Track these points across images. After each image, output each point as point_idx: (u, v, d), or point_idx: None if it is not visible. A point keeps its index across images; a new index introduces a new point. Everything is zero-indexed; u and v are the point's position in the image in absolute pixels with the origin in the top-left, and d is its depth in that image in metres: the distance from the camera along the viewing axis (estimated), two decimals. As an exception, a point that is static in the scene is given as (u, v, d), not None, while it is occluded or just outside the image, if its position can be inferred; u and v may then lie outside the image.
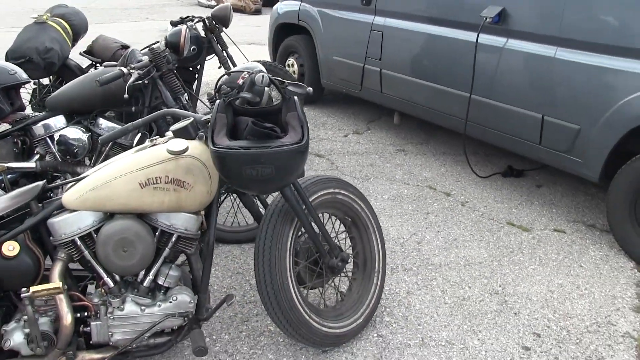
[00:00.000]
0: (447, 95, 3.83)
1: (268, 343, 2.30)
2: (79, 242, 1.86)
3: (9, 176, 2.67)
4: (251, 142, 1.74)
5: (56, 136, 2.71)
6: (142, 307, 1.92)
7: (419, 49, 4.00)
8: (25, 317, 1.86)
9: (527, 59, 3.31)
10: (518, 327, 2.45)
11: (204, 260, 2.02)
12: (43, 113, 2.84)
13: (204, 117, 2.01)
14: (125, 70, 2.65)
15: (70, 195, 1.85)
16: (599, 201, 3.67)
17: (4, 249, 1.80)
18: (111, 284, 1.92)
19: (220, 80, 2.11)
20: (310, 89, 1.89)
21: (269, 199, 2.94)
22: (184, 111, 2.16)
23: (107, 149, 2.81)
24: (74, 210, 1.85)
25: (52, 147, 2.78)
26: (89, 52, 4.06)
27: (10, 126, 2.81)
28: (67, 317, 1.84)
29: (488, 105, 3.56)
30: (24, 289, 1.80)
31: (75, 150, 2.70)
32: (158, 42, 4.01)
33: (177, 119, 2.74)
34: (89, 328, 1.93)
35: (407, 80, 4.15)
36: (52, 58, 3.62)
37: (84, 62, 4.12)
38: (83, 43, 4.22)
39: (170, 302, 1.94)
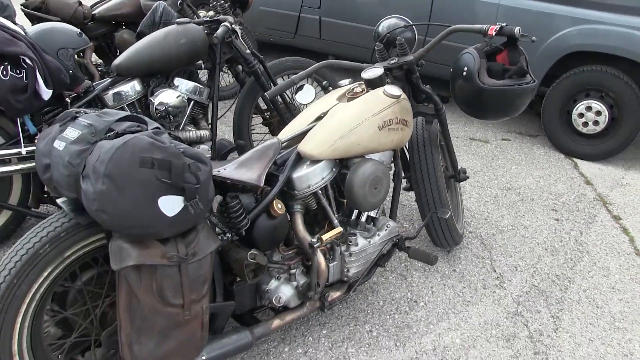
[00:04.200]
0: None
1: (402, 260, 2.82)
2: (319, 192, 2.07)
3: None
4: (515, 80, 2.18)
5: (155, 102, 2.61)
6: (368, 240, 2.21)
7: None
8: (291, 271, 2.02)
9: (476, 5, 4.13)
10: (541, 207, 3.39)
11: (395, 187, 2.41)
12: (108, 80, 2.67)
13: (385, 65, 2.33)
14: (229, 25, 2.68)
15: (317, 147, 1.98)
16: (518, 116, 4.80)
17: (275, 207, 1.89)
18: (338, 226, 2.19)
19: (388, 34, 2.43)
20: (535, 37, 2.32)
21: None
22: (350, 62, 2.42)
23: (189, 109, 2.79)
24: (314, 163, 2.00)
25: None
26: (38, 9, 3.61)
27: (77, 96, 2.58)
28: (323, 263, 2.05)
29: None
30: (314, 240, 1.98)
31: (176, 115, 2.65)
32: None
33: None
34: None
35: (349, 25, 4.67)
36: (11, 17, 3.21)
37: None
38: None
39: (385, 229, 2.31)
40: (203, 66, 2.87)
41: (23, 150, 2.32)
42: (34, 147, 2.36)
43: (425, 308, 2.46)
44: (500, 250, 2.93)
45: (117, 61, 2.61)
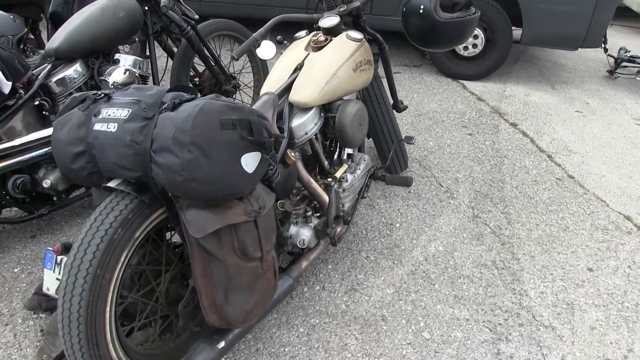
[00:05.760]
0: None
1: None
2: (313, 137, 2.14)
3: None
4: (464, 12, 2.38)
5: (110, 81, 2.42)
6: (354, 175, 2.34)
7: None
8: (307, 214, 2.10)
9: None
10: (453, 126, 3.77)
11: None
12: (48, 65, 2.38)
13: (336, 12, 2.43)
14: None
15: (309, 95, 2.04)
16: (397, 49, 5.15)
17: (289, 155, 1.93)
18: (328, 167, 2.30)
19: None
20: None
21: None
22: (301, 15, 2.48)
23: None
24: (306, 111, 2.06)
25: None
26: None
27: (22, 90, 2.33)
28: (328, 201, 2.15)
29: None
30: (330, 180, 2.10)
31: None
32: None
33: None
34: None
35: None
36: None
37: None
38: None
39: (363, 163, 2.46)
40: (137, 39, 2.74)
41: None
42: (7, 145, 2.13)
43: (402, 228, 2.69)
44: (438, 168, 3.25)
45: (53, 44, 2.36)
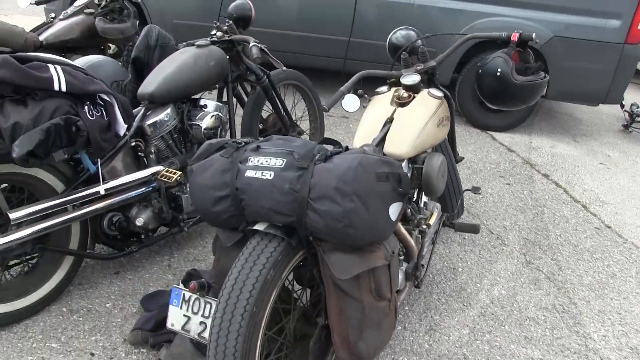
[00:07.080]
0: (326, 41, 4.78)
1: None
2: None
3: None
4: (536, 75, 2.60)
5: (203, 126, 2.60)
6: (431, 221, 2.55)
7: (291, 7, 4.74)
8: (400, 258, 2.23)
9: (394, 7, 4.60)
10: (490, 176, 3.98)
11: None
12: (143, 108, 2.53)
13: (415, 70, 2.64)
14: (258, 44, 2.73)
15: (403, 147, 2.21)
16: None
17: None
18: (410, 214, 2.46)
19: (410, 45, 2.73)
20: (538, 40, 2.75)
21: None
22: (383, 71, 2.69)
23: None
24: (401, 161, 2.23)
25: (171, 141, 2.63)
26: None
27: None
28: (414, 245, 2.27)
29: (365, 44, 4.73)
30: (424, 226, 2.26)
31: (217, 135, 2.69)
32: (51, 21, 3.59)
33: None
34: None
35: (278, 33, 4.85)
36: None
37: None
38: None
39: (436, 210, 2.63)
40: (217, 85, 2.92)
41: (102, 189, 2.20)
42: (111, 185, 2.26)
43: (464, 272, 2.85)
44: (486, 216, 3.43)
45: (147, 89, 2.51)
